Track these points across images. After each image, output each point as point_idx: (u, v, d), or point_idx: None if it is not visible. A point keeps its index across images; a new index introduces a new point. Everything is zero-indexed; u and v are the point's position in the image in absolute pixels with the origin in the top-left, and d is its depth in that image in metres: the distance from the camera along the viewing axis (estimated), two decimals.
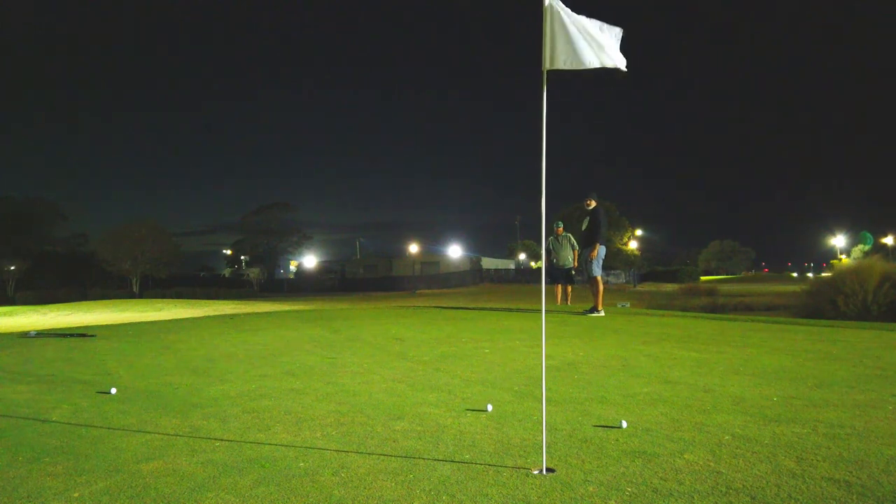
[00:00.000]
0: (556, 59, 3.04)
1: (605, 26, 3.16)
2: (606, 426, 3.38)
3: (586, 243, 10.88)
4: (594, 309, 10.24)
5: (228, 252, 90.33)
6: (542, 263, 3.59)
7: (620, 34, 3.20)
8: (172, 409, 3.99)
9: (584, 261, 11.00)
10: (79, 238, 68.05)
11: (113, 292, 50.26)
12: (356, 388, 4.56)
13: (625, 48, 3.22)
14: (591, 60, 3.09)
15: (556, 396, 4.06)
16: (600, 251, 10.53)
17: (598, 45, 3.10)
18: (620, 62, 3.20)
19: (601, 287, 10.43)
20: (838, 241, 58.16)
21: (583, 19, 3.07)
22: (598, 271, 10.53)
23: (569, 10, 3.04)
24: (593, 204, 10.80)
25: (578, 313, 10.33)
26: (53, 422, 3.73)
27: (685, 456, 2.86)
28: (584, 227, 10.95)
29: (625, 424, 3.36)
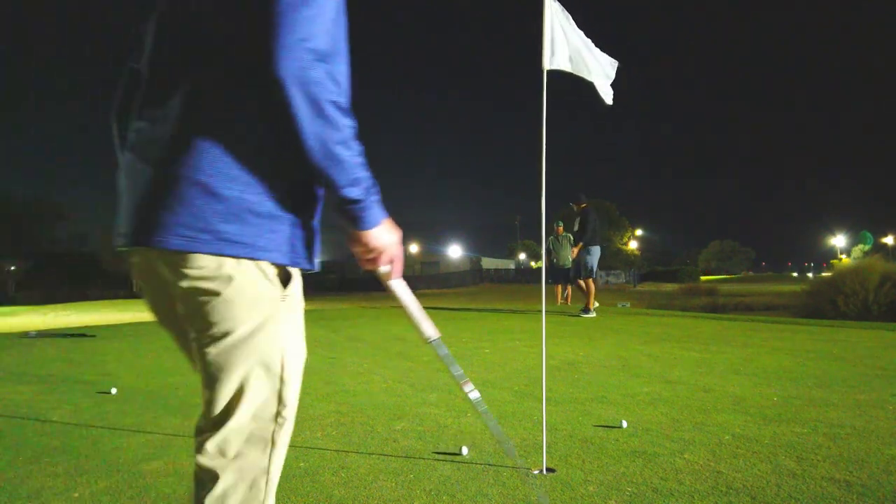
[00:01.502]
0: (556, 59, 3.05)
1: (604, 56, 3.20)
2: (606, 426, 3.38)
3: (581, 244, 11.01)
4: (586, 309, 10.38)
5: None
6: (542, 263, 3.59)
7: (616, 66, 3.24)
8: (172, 409, 3.99)
9: (575, 262, 11.13)
10: (78, 238, 68.02)
11: (113, 292, 50.22)
12: (356, 388, 4.56)
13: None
14: (584, 71, 3.13)
15: (556, 396, 4.06)
16: (594, 251, 10.62)
17: (593, 62, 3.15)
18: (608, 94, 3.25)
19: (585, 287, 10.55)
20: (838, 240, 58.10)
21: (583, 35, 3.10)
22: (585, 271, 10.60)
23: (570, 18, 3.06)
24: (584, 205, 10.91)
25: (575, 314, 10.40)
26: (54, 422, 3.73)
27: (685, 456, 2.86)
28: (576, 229, 11.07)
29: (625, 424, 3.36)
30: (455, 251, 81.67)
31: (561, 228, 13.90)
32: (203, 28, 1.25)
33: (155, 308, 1.39)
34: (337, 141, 1.21)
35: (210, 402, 1.28)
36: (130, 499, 2.49)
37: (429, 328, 1.53)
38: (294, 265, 1.30)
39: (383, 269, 1.39)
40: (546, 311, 3.24)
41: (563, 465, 2.78)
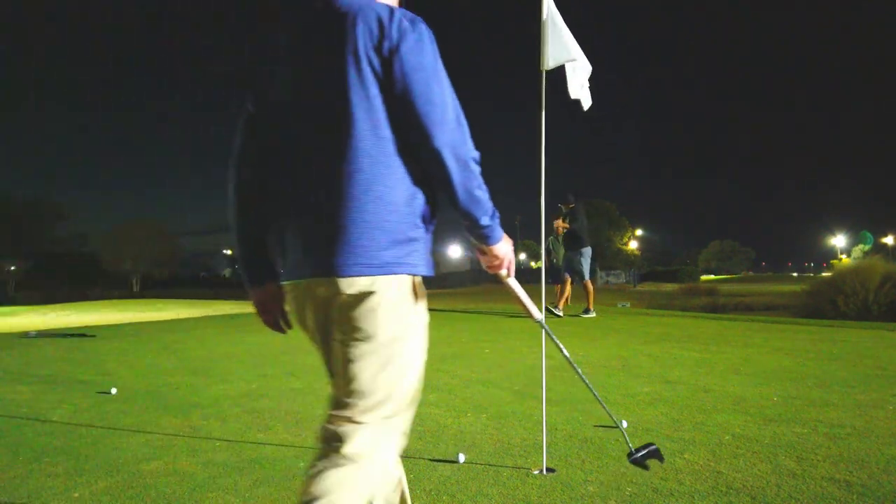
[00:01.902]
0: (555, 58, 3.05)
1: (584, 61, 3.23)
2: (606, 426, 3.38)
3: (573, 245, 11.15)
4: (586, 310, 10.47)
5: (229, 252, 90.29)
6: (543, 263, 3.59)
7: (589, 72, 3.26)
8: (172, 409, 3.99)
9: (565, 261, 11.23)
10: (78, 238, 67.97)
11: (113, 292, 50.21)
12: None
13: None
14: (576, 71, 3.15)
15: (556, 396, 4.06)
16: (586, 252, 10.75)
17: (582, 63, 3.18)
18: (586, 99, 3.27)
19: (584, 289, 10.69)
20: (838, 240, 58.14)
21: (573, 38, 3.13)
22: (584, 273, 10.73)
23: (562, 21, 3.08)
24: (572, 205, 11.04)
25: (575, 315, 10.46)
26: (54, 422, 3.73)
27: (685, 456, 2.86)
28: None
29: (625, 424, 3.36)
30: (455, 251, 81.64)
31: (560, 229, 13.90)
32: (350, 94, 1.45)
33: (305, 326, 1.62)
34: (476, 186, 1.51)
35: (346, 393, 1.50)
36: (130, 499, 2.49)
37: (537, 313, 1.93)
38: (429, 274, 1.57)
39: (503, 272, 1.74)
40: (546, 312, 3.24)
41: (563, 465, 2.78)
